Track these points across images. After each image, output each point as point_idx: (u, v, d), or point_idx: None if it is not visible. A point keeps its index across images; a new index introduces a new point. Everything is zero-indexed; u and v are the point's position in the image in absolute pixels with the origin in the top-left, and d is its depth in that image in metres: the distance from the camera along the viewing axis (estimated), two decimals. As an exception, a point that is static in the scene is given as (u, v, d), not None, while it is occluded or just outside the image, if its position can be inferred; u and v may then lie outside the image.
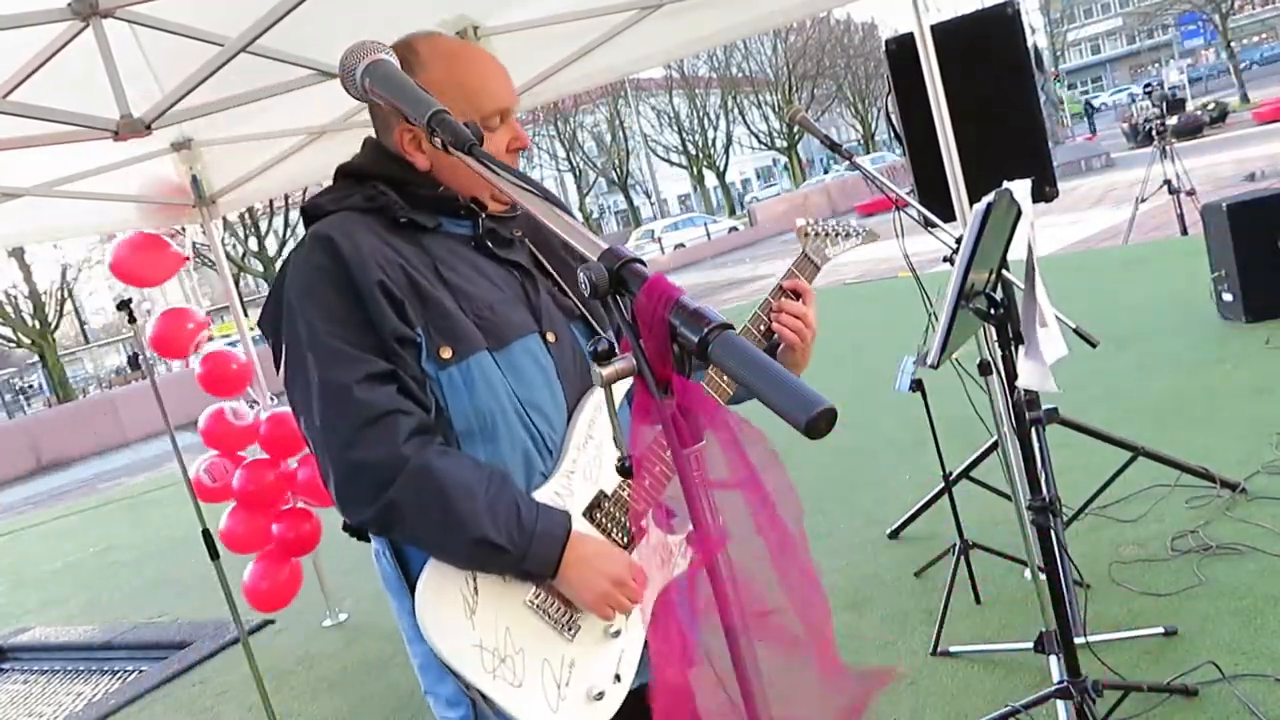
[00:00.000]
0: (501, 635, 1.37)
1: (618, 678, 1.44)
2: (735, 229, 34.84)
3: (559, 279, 1.59)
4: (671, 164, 48.37)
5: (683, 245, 33.34)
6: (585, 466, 1.47)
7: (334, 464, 1.35)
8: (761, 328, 1.60)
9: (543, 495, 1.43)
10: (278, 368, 1.45)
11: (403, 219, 1.46)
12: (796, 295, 1.62)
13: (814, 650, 1.13)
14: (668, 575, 1.50)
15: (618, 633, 1.45)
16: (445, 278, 1.44)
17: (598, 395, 1.49)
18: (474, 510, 1.32)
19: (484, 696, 1.36)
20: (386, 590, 1.49)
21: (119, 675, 5.46)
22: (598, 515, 1.47)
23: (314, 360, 1.37)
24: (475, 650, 1.35)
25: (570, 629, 1.42)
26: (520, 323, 1.47)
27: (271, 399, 4.67)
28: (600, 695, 1.41)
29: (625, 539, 1.47)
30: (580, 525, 1.43)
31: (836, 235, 1.76)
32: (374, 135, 1.56)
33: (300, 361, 1.38)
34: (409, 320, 1.38)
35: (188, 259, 4.56)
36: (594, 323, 1.59)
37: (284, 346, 1.42)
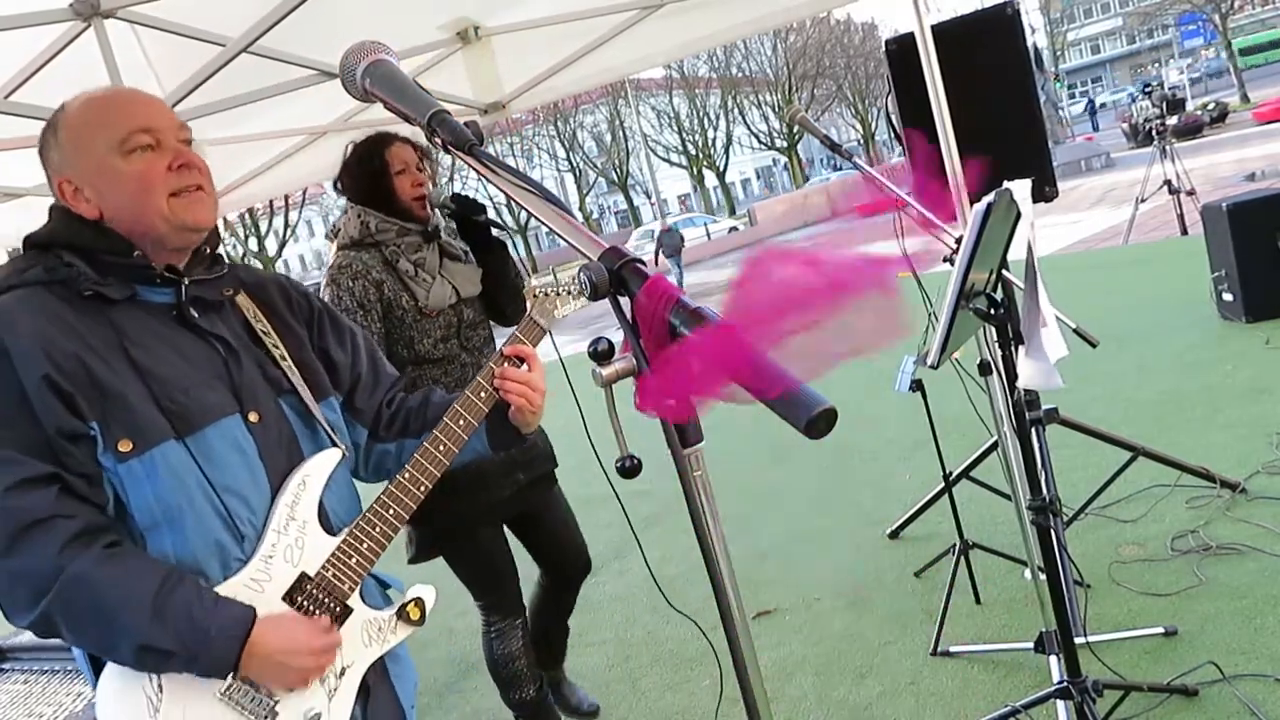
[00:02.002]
0: None
1: None
2: (735, 229, 34.83)
3: (276, 343, 1.54)
4: (671, 164, 48.36)
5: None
6: (285, 549, 1.43)
7: None
8: (483, 394, 1.62)
9: (236, 583, 1.38)
10: None
11: (87, 292, 1.37)
12: (521, 360, 1.65)
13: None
14: (378, 650, 1.50)
15: (318, 716, 1.42)
16: (134, 359, 1.36)
17: (300, 474, 1.47)
18: (138, 618, 1.27)
19: None
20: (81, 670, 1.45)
21: (119, 675, 5.45)
22: (299, 598, 1.43)
23: None
24: None
25: (268, 716, 1.37)
26: (217, 405, 1.41)
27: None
28: None
29: (331, 618, 1.45)
30: (275, 609, 1.39)
31: (567, 294, 1.77)
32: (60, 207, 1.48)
33: None
34: (80, 414, 1.31)
35: None
36: (309, 391, 1.54)
37: None
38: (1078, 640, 2.42)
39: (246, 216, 28.81)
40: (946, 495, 3.53)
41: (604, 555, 4.46)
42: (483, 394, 1.62)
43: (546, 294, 1.78)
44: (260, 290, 1.59)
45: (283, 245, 30.68)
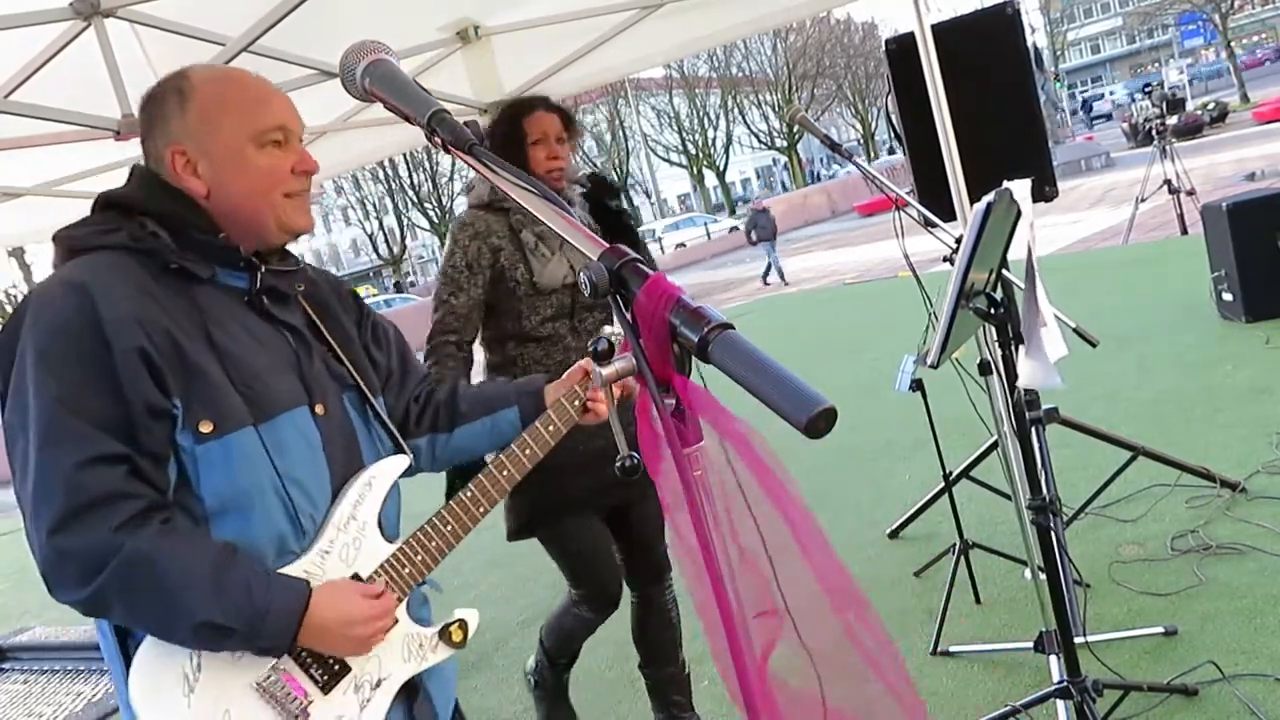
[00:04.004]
0: (219, 718, 1.31)
1: None
2: (736, 229, 34.89)
3: (334, 343, 1.53)
4: (671, 164, 48.37)
5: (684, 245, 33.36)
6: (342, 548, 1.42)
7: (40, 547, 1.27)
8: (564, 416, 1.61)
9: (292, 572, 1.37)
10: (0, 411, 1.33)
11: (173, 265, 1.35)
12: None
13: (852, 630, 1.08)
14: (416, 667, 1.47)
15: None
16: (214, 339, 1.35)
17: (368, 474, 1.46)
18: (196, 594, 1.25)
19: None
20: (105, 657, 1.43)
21: (119, 675, 5.45)
22: None
23: (36, 431, 1.26)
24: None
25: (299, 716, 1.35)
26: (288, 394, 1.41)
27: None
28: None
29: None
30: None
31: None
32: (143, 164, 1.45)
33: (22, 425, 1.27)
34: (167, 390, 1.29)
35: None
36: (367, 391, 1.54)
37: (8, 396, 1.30)
38: (1078, 640, 2.43)
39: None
40: (946, 495, 3.53)
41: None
42: (575, 403, 1.62)
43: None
44: (314, 287, 1.57)
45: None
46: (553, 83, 4.02)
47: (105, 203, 1.41)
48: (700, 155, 46.97)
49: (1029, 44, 3.76)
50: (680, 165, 48.43)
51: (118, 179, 4.49)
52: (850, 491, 4.88)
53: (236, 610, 1.27)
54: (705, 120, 46.67)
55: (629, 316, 0.89)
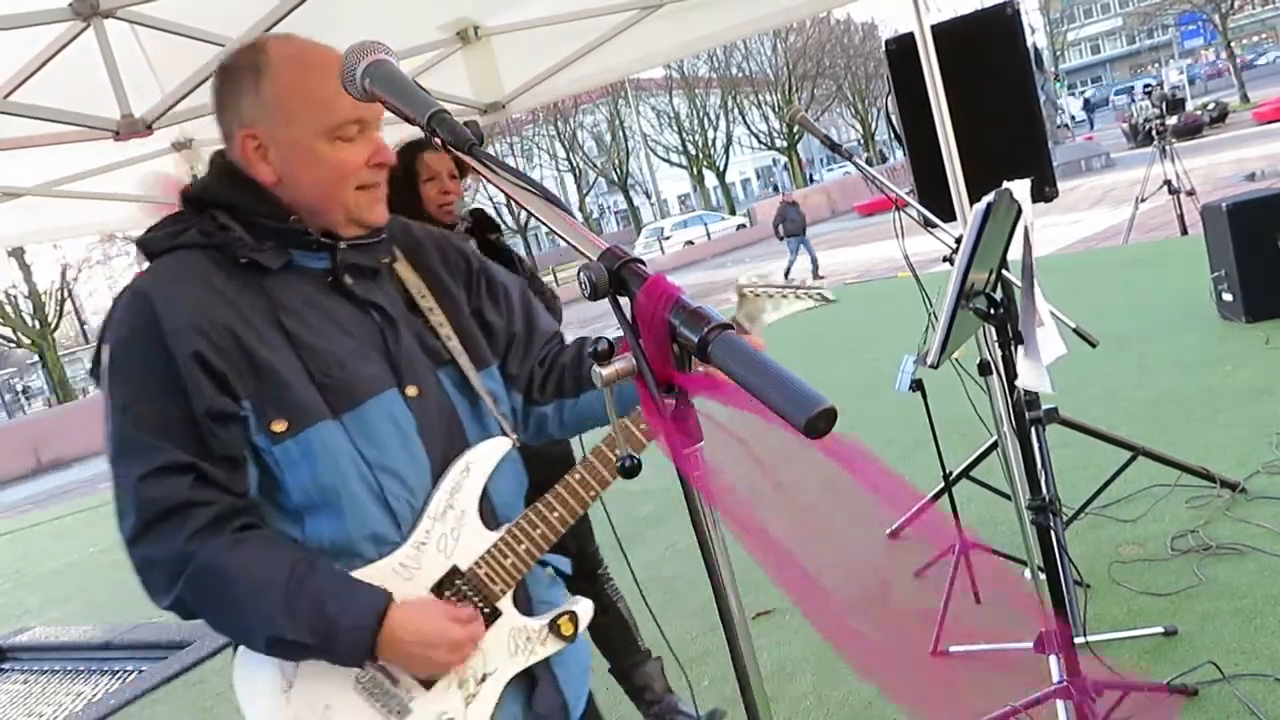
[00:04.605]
0: (319, 713, 1.30)
1: None
2: (743, 226, 35.08)
3: (434, 309, 1.45)
4: (671, 164, 48.36)
5: (691, 243, 33.51)
6: (440, 538, 1.36)
7: (128, 554, 1.27)
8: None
9: (385, 566, 1.33)
10: None
11: (243, 259, 1.32)
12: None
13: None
14: (524, 662, 1.42)
15: None
16: (288, 330, 1.31)
17: (465, 460, 1.40)
18: (268, 608, 1.23)
19: None
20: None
21: (119, 675, 5.44)
22: (447, 593, 1.36)
23: (111, 442, 1.27)
24: None
25: (400, 713, 1.32)
26: (375, 378, 1.35)
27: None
28: None
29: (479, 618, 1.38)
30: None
31: (782, 297, 1.60)
32: (222, 149, 1.42)
33: (106, 435, 1.29)
34: (232, 393, 1.27)
35: None
36: (469, 361, 1.46)
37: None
38: (1078, 640, 2.42)
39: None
40: (946, 495, 3.53)
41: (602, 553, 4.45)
42: None
43: (757, 293, 1.58)
44: (417, 250, 1.50)
45: (283, 245, 30.65)
46: (553, 83, 4.02)
47: (184, 198, 1.39)
48: (700, 155, 46.95)
49: (1029, 44, 3.76)
50: (680, 165, 48.42)
51: (118, 179, 4.51)
52: (850, 491, 4.88)
53: (309, 626, 1.24)
54: (705, 120, 46.67)
55: (629, 317, 0.89)
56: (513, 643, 1.41)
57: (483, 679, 1.37)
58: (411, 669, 1.33)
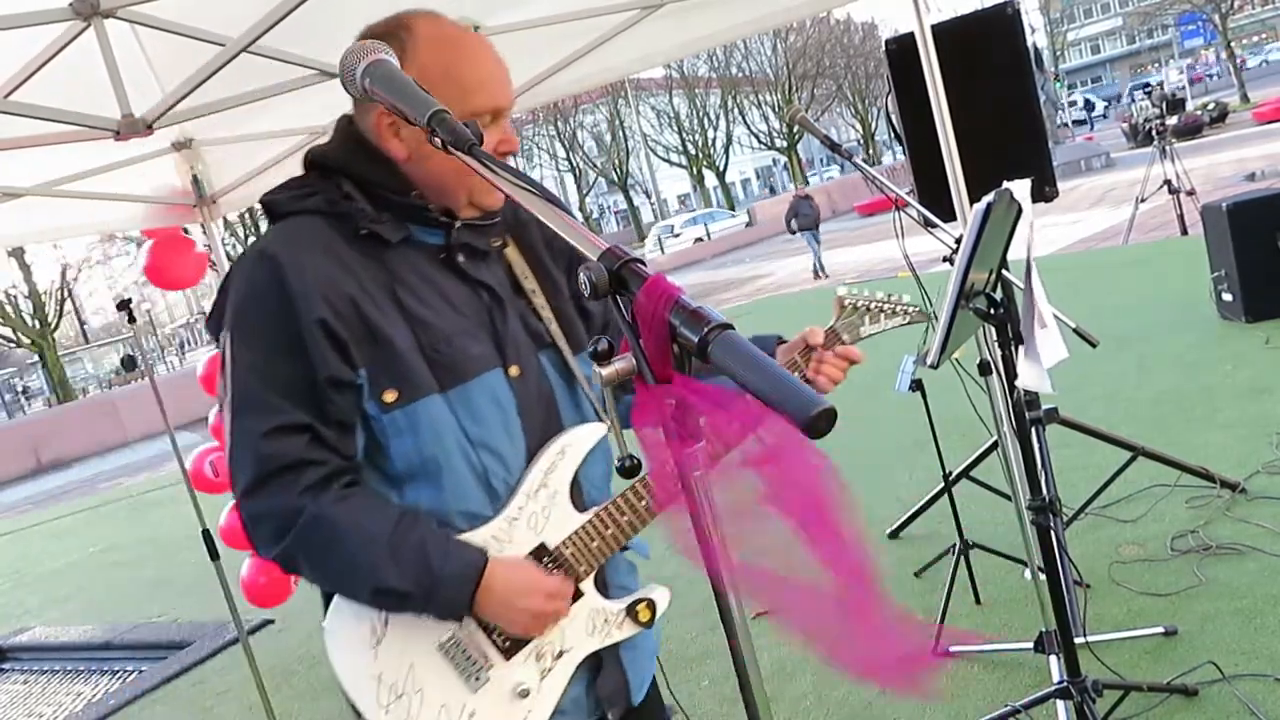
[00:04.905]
0: (404, 671, 1.33)
1: None
2: (750, 224, 35.23)
3: (537, 291, 1.48)
4: (671, 164, 48.36)
5: (702, 240, 33.71)
6: (531, 515, 1.40)
7: (239, 507, 1.33)
8: (797, 374, 1.54)
9: (476, 537, 1.37)
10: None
11: (364, 231, 1.35)
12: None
13: (858, 610, 1.10)
14: (599, 643, 1.45)
15: (526, 692, 1.39)
16: (403, 303, 1.35)
17: (561, 441, 1.43)
18: (374, 558, 1.28)
19: None
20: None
21: (119, 675, 5.46)
22: None
23: (232, 397, 1.31)
24: (373, 681, 1.33)
25: (478, 680, 1.36)
26: (481, 357, 1.38)
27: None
28: None
29: None
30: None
31: (879, 312, 1.64)
32: (349, 115, 1.44)
33: (225, 387, 1.33)
34: (351, 361, 1.31)
35: (212, 262, 4.57)
36: (568, 348, 1.48)
37: (220, 359, 1.36)
38: (1078, 640, 2.43)
39: (247, 216, 28.80)
40: (946, 495, 3.53)
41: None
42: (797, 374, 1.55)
43: (857, 306, 1.62)
44: (522, 231, 1.52)
45: (283, 245, 30.63)
46: (553, 82, 4.02)
47: (309, 161, 1.41)
48: (700, 155, 46.95)
49: (1029, 44, 3.76)
50: (680, 165, 48.41)
51: (118, 179, 4.50)
52: (850, 491, 4.88)
53: (413, 576, 1.28)
54: (705, 120, 46.66)
55: (629, 317, 0.89)
56: (591, 623, 1.45)
57: (559, 655, 1.42)
58: (507, 623, 1.36)
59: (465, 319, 1.39)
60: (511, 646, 1.38)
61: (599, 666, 1.47)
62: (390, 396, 1.32)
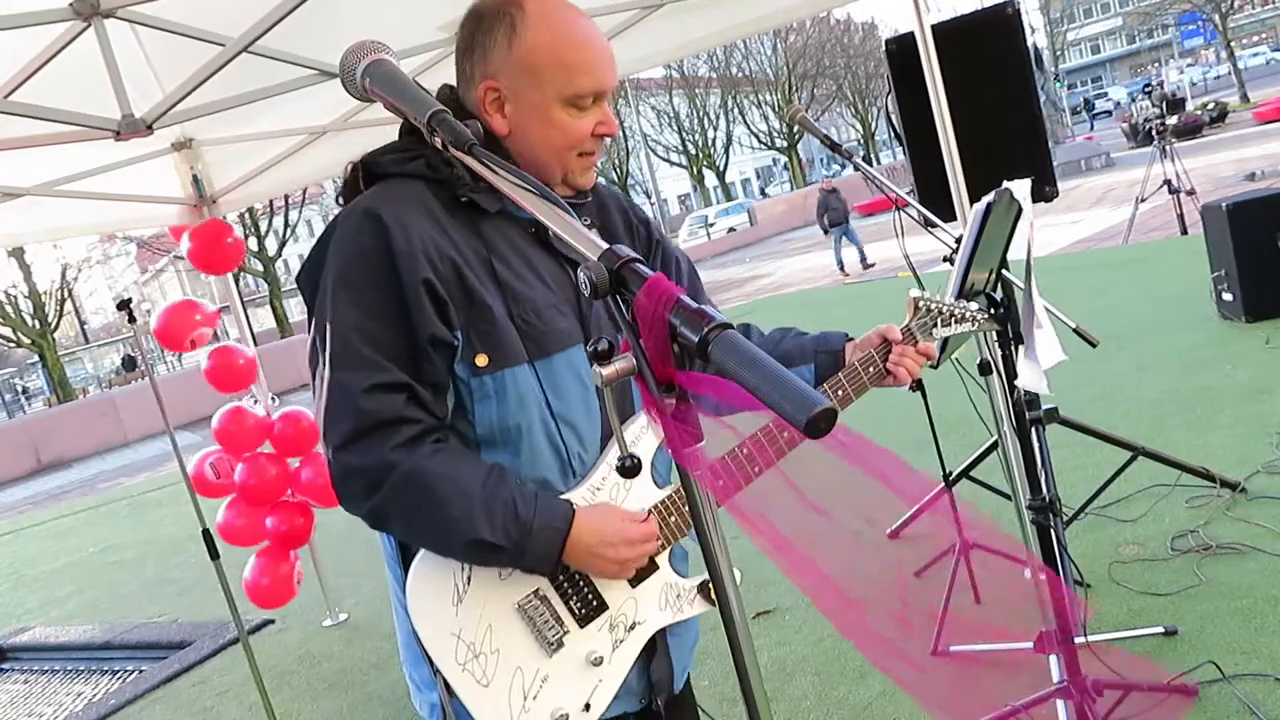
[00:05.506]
0: (482, 631, 1.35)
1: (587, 707, 1.39)
2: (733, 229, 35.41)
3: None
4: (671, 164, 48.38)
5: (734, 229, 34.37)
6: (613, 487, 1.42)
7: (329, 463, 1.34)
8: (871, 369, 1.60)
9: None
10: (309, 326, 1.41)
11: (464, 198, 1.37)
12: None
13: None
14: (671, 617, 1.47)
15: (599, 661, 1.40)
16: (497, 273, 1.37)
17: (642, 420, 1.45)
18: (467, 511, 1.29)
19: (448, 687, 1.35)
20: (386, 566, 1.47)
21: (119, 675, 5.45)
22: None
23: (331, 354, 1.33)
24: (451, 639, 1.34)
25: (553, 645, 1.38)
26: (566, 332, 1.41)
27: (273, 399, 4.67)
28: (564, 718, 1.37)
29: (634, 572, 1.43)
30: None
31: (950, 317, 1.69)
32: (451, 85, 1.45)
33: (321, 344, 1.35)
34: (450, 322, 1.33)
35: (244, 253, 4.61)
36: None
37: (312, 316, 1.38)
38: (1078, 640, 2.42)
39: (246, 216, 28.78)
40: (947, 495, 3.53)
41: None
42: (871, 369, 1.59)
43: (929, 309, 1.67)
44: (603, 211, 1.55)
45: (283, 245, 30.65)
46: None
47: (409, 126, 1.39)
48: (700, 155, 46.96)
49: (1029, 44, 3.76)
50: (680, 165, 48.43)
51: (118, 179, 4.52)
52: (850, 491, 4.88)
53: (504, 527, 1.30)
54: (705, 120, 46.67)
55: (629, 316, 0.89)
56: (664, 597, 1.47)
57: (632, 627, 1.44)
58: (596, 569, 1.38)
59: (553, 293, 1.41)
60: (587, 614, 1.41)
61: (653, 651, 1.49)
62: (482, 360, 1.34)
